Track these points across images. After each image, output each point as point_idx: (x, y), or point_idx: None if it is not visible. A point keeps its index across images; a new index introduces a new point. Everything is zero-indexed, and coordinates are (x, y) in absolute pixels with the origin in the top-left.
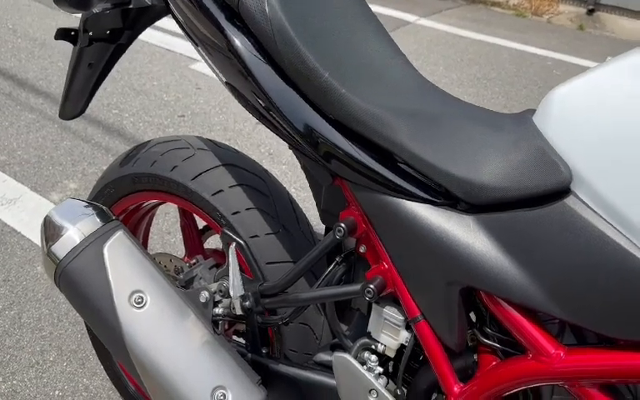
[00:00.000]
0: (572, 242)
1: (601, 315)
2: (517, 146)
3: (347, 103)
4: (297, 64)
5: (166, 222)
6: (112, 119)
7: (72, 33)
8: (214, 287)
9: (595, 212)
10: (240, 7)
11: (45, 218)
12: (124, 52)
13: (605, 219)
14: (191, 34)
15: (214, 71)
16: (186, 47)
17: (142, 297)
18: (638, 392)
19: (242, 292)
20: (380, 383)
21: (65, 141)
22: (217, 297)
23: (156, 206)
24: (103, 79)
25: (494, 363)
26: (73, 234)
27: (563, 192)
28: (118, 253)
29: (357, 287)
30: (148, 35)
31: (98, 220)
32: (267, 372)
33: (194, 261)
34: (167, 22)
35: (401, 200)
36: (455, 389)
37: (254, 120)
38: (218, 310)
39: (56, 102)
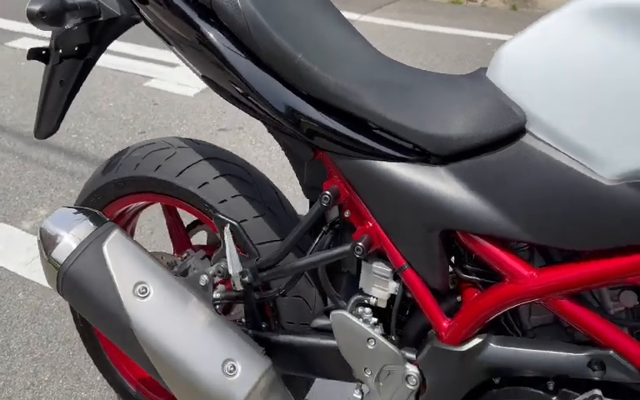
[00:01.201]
0: (532, 174)
1: (564, 233)
2: (476, 100)
3: (321, 80)
4: (272, 50)
5: (141, 236)
6: (73, 144)
7: (44, 53)
8: (212, 270)
9: (550, 145)
10: (213, 5)
11: (40, 230)
12: (93, 66)
13: (559, 149)
14: (164, 35)
15: (189, 66)
16: (138, 66)
17: (145, 288)
18: (601, 296)
19: (241, 269)
20: (376, 332)
21: (28, 170)
22: (216, 280)
23: (139, 210)
24: (74, 95)
25: (476, 295)
26: (70, 240)
27: (520, 132)
28: (117, 250)
29: (347, 247)
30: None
31: (93, 223)
32: (268, 344)
33: (185, 255)
34: (116, 43)
35: (379, 162)
36: (444, 324)
37: (215, 128)
38: (216, 294)
39: (12, 133)
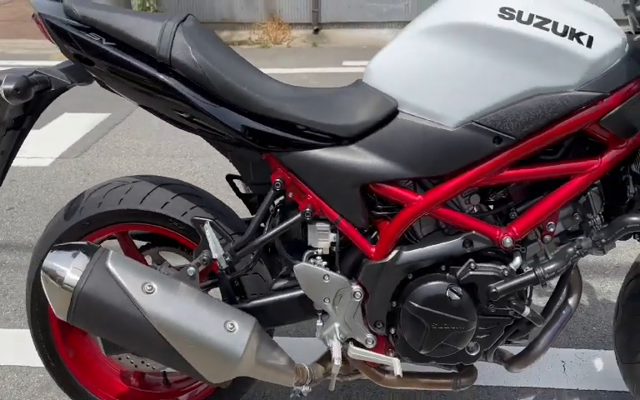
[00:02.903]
0: (407, 135)
1: (431, 166)
2: (364, 98)
3: (263, 102)
4: (226, 87)
5: None
6: None
7: None
8: (196, 261)
9: (415, 116)
10: (172, 62)
11: (43, 272)
12: (27, 135)
13: (421, 117)
14: (107, 83)
15: (128, 98)
16: None
17: (151, 286)
18: (459, 202)
19: (223, 252)
20: (328, 270)
21: None
22: (200, 268)
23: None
24: (11, 164)
25: (388, 223)
26: (77, 266)
27: (395, 112)
28: (119, 263)
29: (298, 215)
30: None
31: (90, 250)
32: (245, 310)
33: (155, 266)
34: None
35: (310, 151)
36: (372, 250)
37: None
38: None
39: None
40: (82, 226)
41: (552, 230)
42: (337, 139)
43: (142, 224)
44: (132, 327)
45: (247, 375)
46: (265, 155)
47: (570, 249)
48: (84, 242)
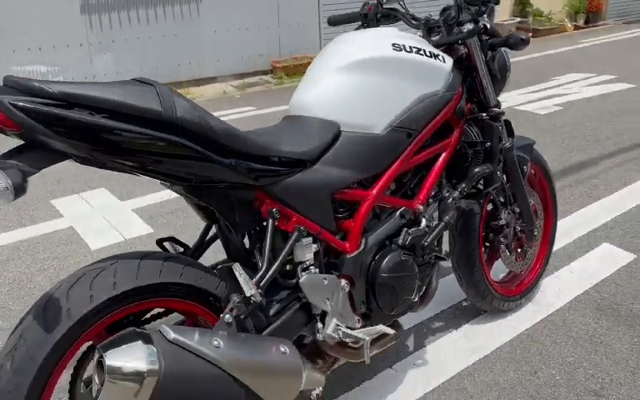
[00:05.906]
0: (353, 146)
1: (375, 166)
2: (311, 127)
3: (259, 142)
4: (231, 135)
5: None
6: None
7: None
8: (230, 307)
9: (354, 131)
10: (180, 121)
11: (112, 378)
12: None
13: (359, 130)
14: (101, 159)
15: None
16: None
17: (217, 341)
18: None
19: (256, 288)
20: (323, 274)
21: None
22: (235, 313)
23: None
24: None
25: (352, 221)
26: (149, 352)
27: (340, 132)
28: (182, 333)
29: (295, 234)
30: None
31: (144, 338)
32: None
33: None
34: None
35: (291, 177)
36: (347, 245)
37: None
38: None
39: None
40: (79, 325)
41: (432, 193)
42: (304, 164)
43: (139, 303)
44: (212, 382)
45: (304, 387)
46: (257, 191)
47: (449, 201)
48: (129, 330)
